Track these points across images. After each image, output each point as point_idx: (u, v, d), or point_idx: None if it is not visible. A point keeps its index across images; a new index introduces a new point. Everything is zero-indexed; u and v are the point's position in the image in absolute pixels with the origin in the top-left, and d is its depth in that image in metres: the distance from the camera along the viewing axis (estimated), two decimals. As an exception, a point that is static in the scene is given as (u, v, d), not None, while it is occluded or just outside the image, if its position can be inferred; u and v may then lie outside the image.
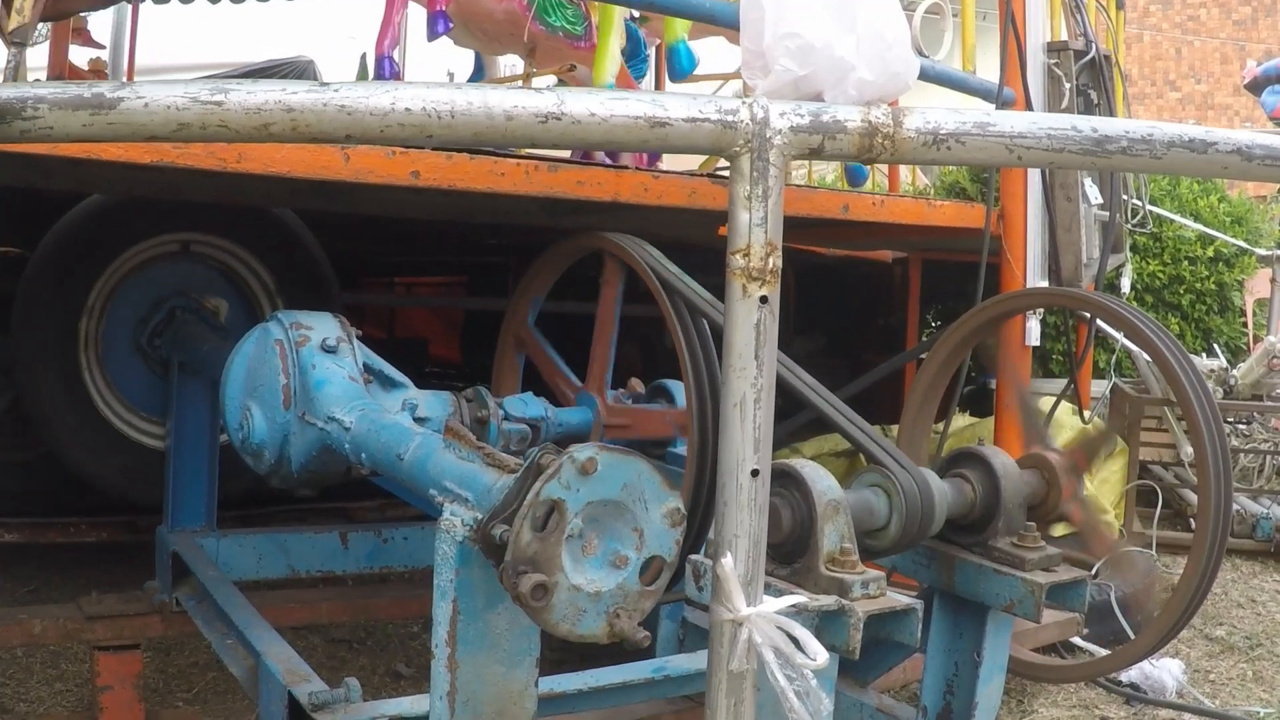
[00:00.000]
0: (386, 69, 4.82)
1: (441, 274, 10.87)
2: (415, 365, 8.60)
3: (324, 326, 3.61)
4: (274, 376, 3.51)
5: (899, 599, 2.86)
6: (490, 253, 8.58)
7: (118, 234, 5.34)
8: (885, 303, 9.01)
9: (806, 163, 10.51)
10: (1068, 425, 6.29)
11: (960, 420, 6.91)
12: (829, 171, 11.66)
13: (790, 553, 2.95)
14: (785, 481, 2.96)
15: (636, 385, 4.34)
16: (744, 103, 2.19)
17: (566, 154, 4.92)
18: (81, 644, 4.69)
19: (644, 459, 2.34)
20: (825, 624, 2.78)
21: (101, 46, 5.99)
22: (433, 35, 4.88)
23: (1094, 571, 5.65)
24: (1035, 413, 3.91)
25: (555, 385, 4.42)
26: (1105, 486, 6.89)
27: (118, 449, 5.45)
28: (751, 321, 2.19)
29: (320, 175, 3.68)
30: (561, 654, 4.67)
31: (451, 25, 4.98)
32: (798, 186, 5.54)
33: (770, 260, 2.18)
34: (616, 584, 2.33)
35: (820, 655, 2.26)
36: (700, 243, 5.21)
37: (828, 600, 2.76)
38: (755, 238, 2.17)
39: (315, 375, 3.45)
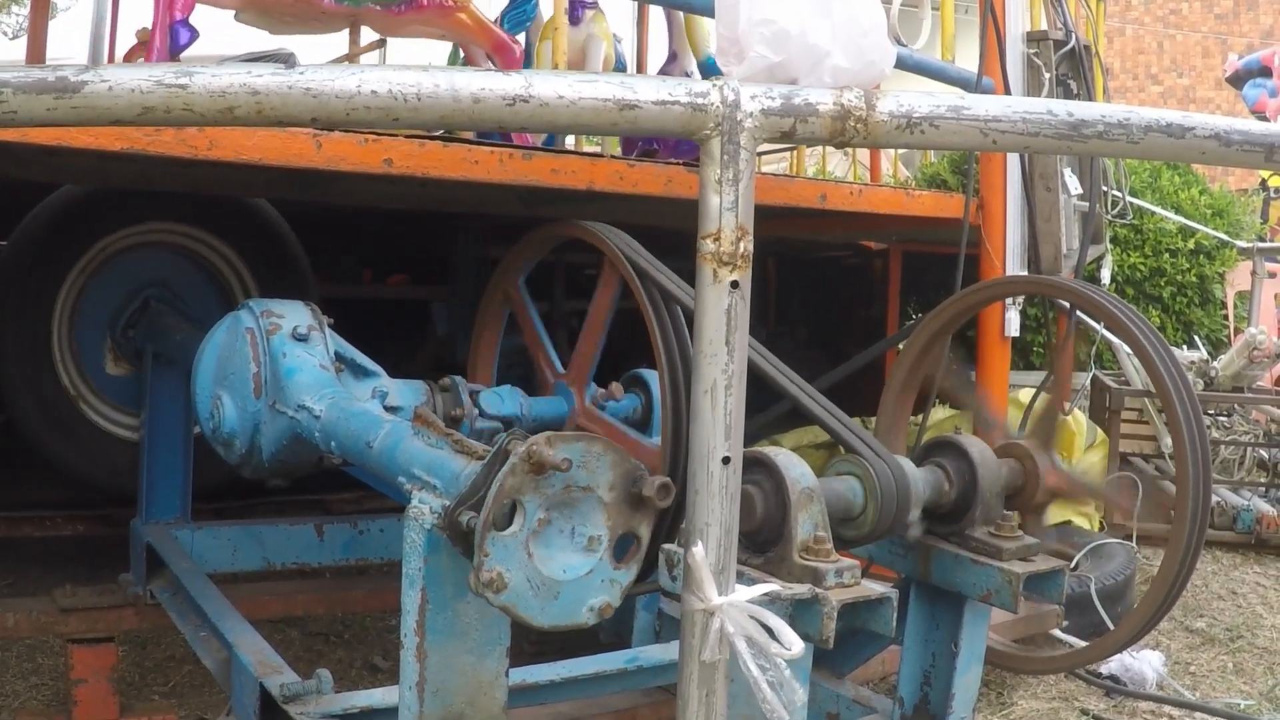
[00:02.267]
0: (183, 36, 4.67)
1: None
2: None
3: (295, 315, 3.59)
4: (244, 365, 3.48)
5: (874, 588, 2.84)
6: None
7: (91, 224, 5.31)
8: (866, 295, 9.00)
9: (788, 155, 10.51)
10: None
11: (940, 411, 6.90)
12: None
13: (764, 541, 2.93)
14: (759, 469, 2.94)
15: (616, 392, 4.30)
16: (714, 85, 2.17)
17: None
18: (56, 637, 4.65)
19: (597, 439, 2.31)
20: (799, 613, 2.76)
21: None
22: (176, 48, 4.72)
23: (1073, 563, 5.65)
24: (1051, 418, 3.90)
25: (535, 357, 4.40)
26: (1085, 478, 6.87)
27: (92, 441, 5.43)
28: (722, 307, 2.16)
29: (292, 163, 3.66)
30: (541, 645, 4.65)
31: (197, 34, 4.82)
32: (775, 175, 5.53)
33: (741, 245, 2.16)
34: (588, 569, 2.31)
35: (794, 644, 2.24)
36: (684, 229, 5.20)
37: (801, 589, 2.74)
38: (726, 222, 2.15)
39: (286, 363, 3.43)
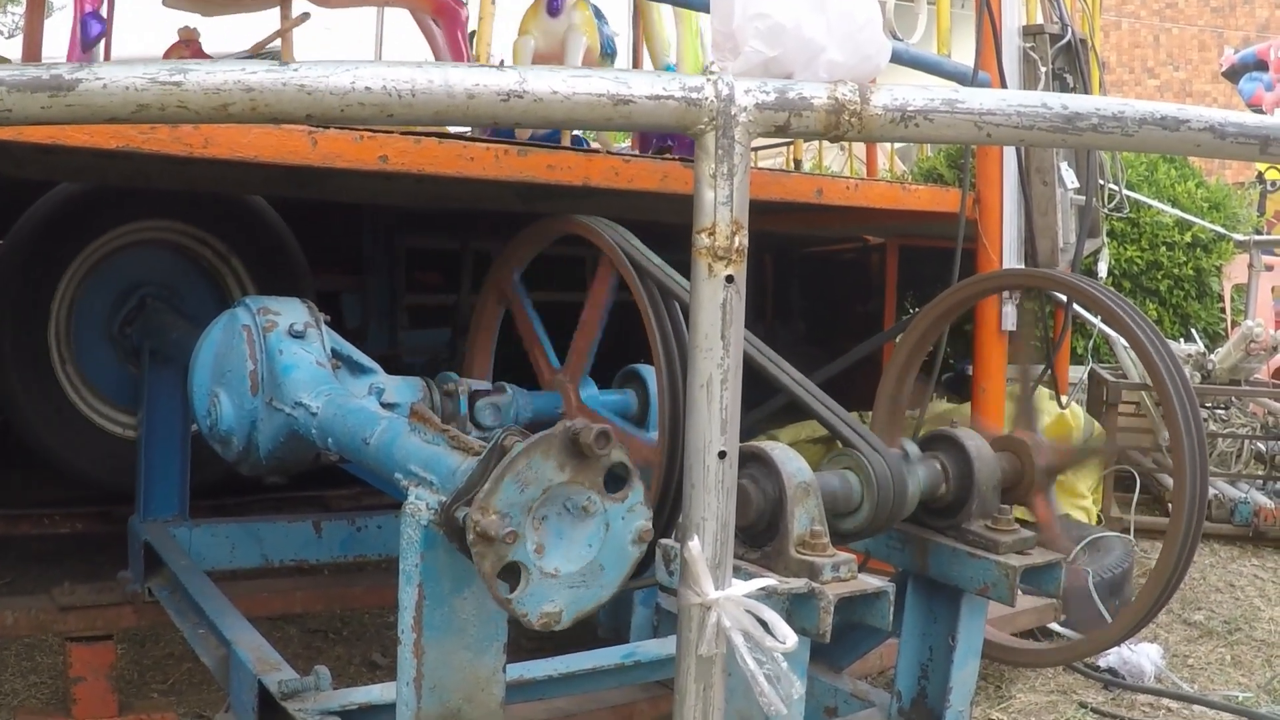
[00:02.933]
0: (94, 29, 4.65)
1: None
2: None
3: (291, 312, 3.59)
4: (241, 362, 3.49)
5: (870, 582, 2.85)
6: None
7: (87, 222, 5.32)
8: (863, 289, 9.00)
9: (785, 150, 10.51)
10: (1045, 410, 6.28)
11: (938, 405, 6.90)
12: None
13: (760, 536, 2.94)
14: (755, 464, 2.95)
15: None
16: (708, 79, 2.17)
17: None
18: (54, 635, 4.65)
19: (623, 450, 2.31)
20: (795, 607, 2.76)
21: (209, 58, 5.94)
22: (88, 41, 4.70)
23: (1071, 556, 5.65)
24: (1027, 399, 3.90)
25: (532, 354, 4.39)
26: (1083, 471, 6.87)
27: (90, 438, 5.43)
28: (717, 301, 2.17)
29: (288, 160, 3.66)
30: (539, 641, 4.65)
31: (104, 26, 4.78)
32: (771, 170, 5.52)
33: (736, 239, 2.16)
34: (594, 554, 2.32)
35: (789, 638, 2.25)
36: (680, 224, 5.19)
37: (798, 583, 2.75)
38: (721, 216, 2.15)
39: (282, 361, 3.43)
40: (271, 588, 4.87)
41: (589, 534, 2.29)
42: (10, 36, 25.63)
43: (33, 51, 6.59)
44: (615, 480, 2.30)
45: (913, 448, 3.43)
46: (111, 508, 5.66)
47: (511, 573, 2.21)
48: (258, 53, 5.77)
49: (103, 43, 6.82)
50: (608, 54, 5.86)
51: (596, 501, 2.28)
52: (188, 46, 5.82)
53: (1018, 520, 3.44)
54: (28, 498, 6.03)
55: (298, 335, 3.51)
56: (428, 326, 7.39)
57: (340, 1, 5.30)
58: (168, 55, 5.67)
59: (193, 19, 5.70)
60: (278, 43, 5.44)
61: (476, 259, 7.24)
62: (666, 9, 6.35)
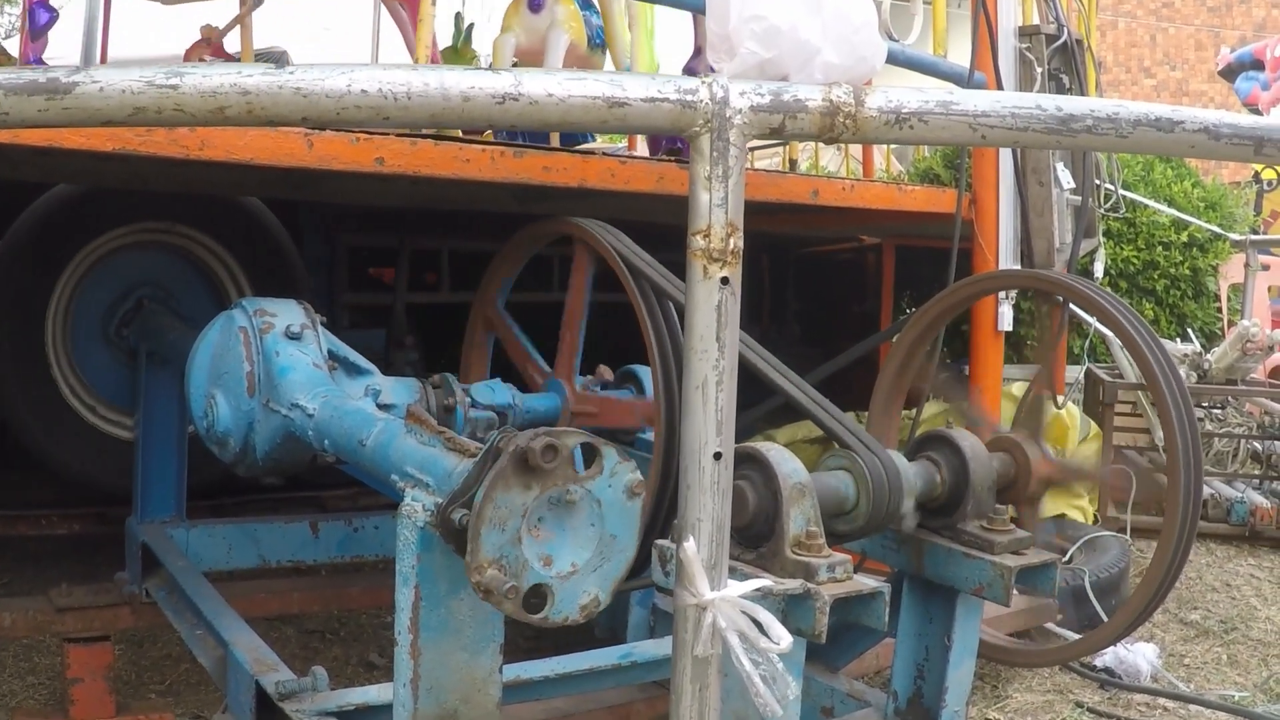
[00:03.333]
0: (41, 17, 4.63)
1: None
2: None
3: (288, 313, 3.60)
4: (238, 364, 3.49)
5: (866, 582, 2.85)
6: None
7: (83, 223, 5.32)
8: (859, 290, 9.00)
9: (781, 150, 10.50)
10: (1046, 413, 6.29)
11: (934, 406, 6.91)
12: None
13: (756, 536, 2.94)
14: (750, 465, 2.95)
15: (605, 372, 4.33)
16: (703, 82, 2.18)
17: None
18: (52, 636, 4.66)
19: (580, 432, 2.32)
20: (791, 608, 2.76)
21: (232, 58, 5.90)
22: (35, 28, 4.69)
23: (1068, 556, 5.66)
24: (1040, 410, 3.91)
25: (525, 370, 4.40)
26: (1077, 462, 6.88)
27: (86, 440, 5.44)
28: (713, 303, 2.17)
29: (284, 162, 3.66)
30: (536, 640, 4.66)
31: (56, 15, 4.77)
32: (766, 171, 5.53)
33: (731, 241, 2.17)
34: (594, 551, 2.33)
35: (784, 639, 2.25)
36: (676, 225, 5.19)
37: (793, 584, 2.75)
38: (716, 218, 2.16)
39: (279, 362, 3.44)
40: (268, 588, 4.87)
41: (585, 516, 2.31)
42: (8, 36, 25.61)
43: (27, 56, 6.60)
44: (586, 458, 2.32)
45: (902, 460, 3.43)
46: (108, 509, 5.66)
47: (536, 595, 2.23)
48: (210, 36, 5.76)
49: (99, 46, 6.84)
50: (596, 45, 5.80)
51: (575, 489, 2.29)
52: (208, 45, 5.83)
53: (1012, 521, 3.45)
54: (25, 499, 6.03)
55: (294, 337, 3.51)
56: (369, 327, 7.25)
57: None
58: (189, 54, 5.68)
59: (207, 16, 5.69)
60: (279, 47, 5.44)
61: (415, 256, 7.21)
62: (627, 9, 6.31)
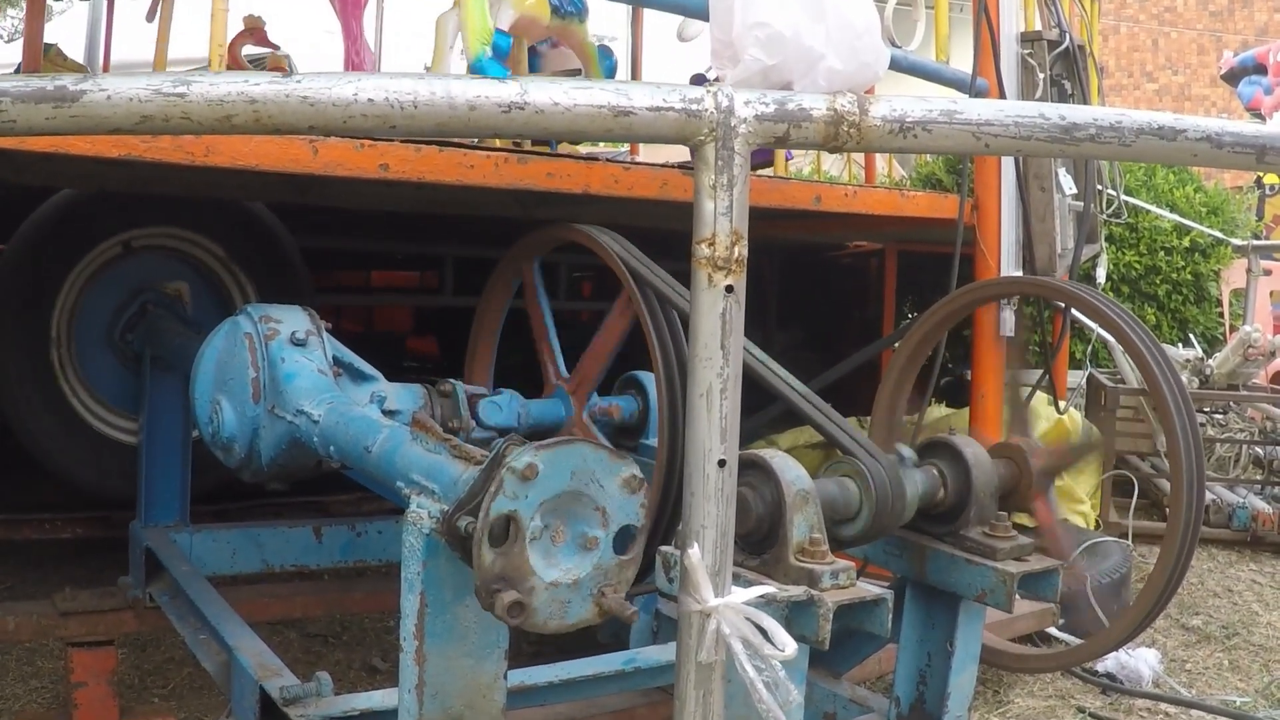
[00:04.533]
0: None
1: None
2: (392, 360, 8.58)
3: (293, 320, 3.60)
4: (243, 370, 3.50)
5: (869, 589, 2.86)
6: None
7: (89, 228, 5.32)
8: (862, 295, 9.01)
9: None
10: (1043, 416, 6.30)
11: (936, 411, 6.92)
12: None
13: (760, 543, 2.95)
14: (754, 472, 2.96)
15: (615, 411, 4.30)
16: (708, 91, 2.19)
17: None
18: (56, 640, 4.66)
19: (585, 441, 2.34)
20: (794, 615, 2.77)
21: (276, 47, 5.86)
22: None
23: (1069, 561, 5.67)
24: (1020, 405, 3.91)
25: (542, 355, 4.39)
26: (1081, 476, 6.89)
27: (91, 444, 5.44)
28: (717, 311, 2.18)
29: (289, 168, 3.67)
30: (539, 645, 4.67)
31: None
32: (769, 177, 5.53)
33: (736, 249, 2.18)
34: (593, 565, 2.34)
35: (788, 646, 2.26)
36: (681, 231, 5.19)
37: (797, 591, 2.76)
38: (720, 227, 2.17)
39: (284, 368, 3.44)
40: (272, 593, 4.88)
41: (568, 564, 2.35)
42: (10, 40, 25.63)
43: (33, 55, 6.61)
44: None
45: (908, 452, 3.45)
46: (112, 513, 5.67)
47: None
48: (253, 26, 5.74)
49: (102, 49, 6.87)
50: (568, 14, 5.47)
51: (604, 541, 2.36)
52: (252, 35, 5.82)
53: (1016, 526, 3.46)
54: (29, 503, 6.03)
55: (299, 343, 3.52)
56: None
57: None
58: (233, 45, 5.65)
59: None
60: (282, 51, 5.42)
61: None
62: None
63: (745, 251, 2.19)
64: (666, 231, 4.70)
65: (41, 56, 6.94)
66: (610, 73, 5.77)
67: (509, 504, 2.23)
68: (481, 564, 2.21)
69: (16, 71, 7.23)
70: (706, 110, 2.17)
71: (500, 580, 2.23)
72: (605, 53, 5.69)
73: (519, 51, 5.31)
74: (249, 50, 6.06)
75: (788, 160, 7.75)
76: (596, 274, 8.54)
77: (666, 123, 2.16)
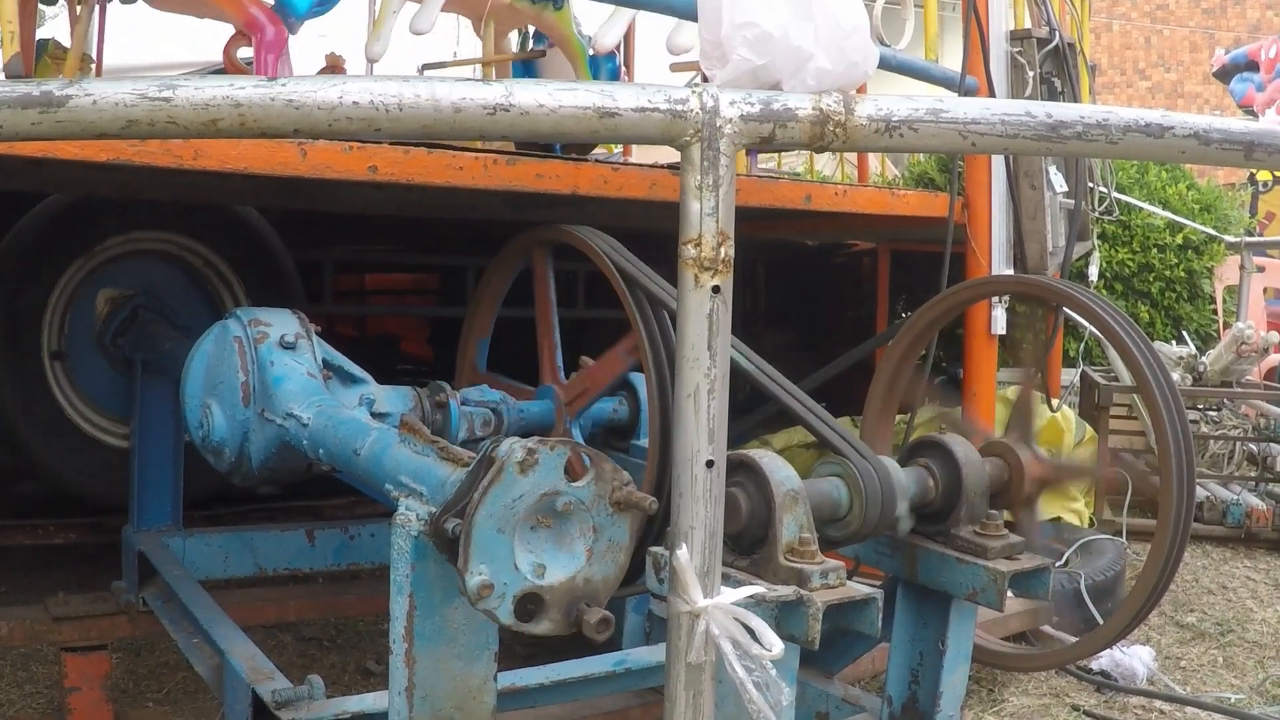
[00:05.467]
0: None
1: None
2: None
3: (282, 323, 3.61)
4: (233, 374, 3.50)
5: (858, 589, 2.86)
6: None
7: (79, 233, 5.32)
8: (854, 294, 9.01)
9: (776, 154, 10.51)
10: (1037, 414, 6.30)
11: (928, 411, 6.91)
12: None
13: (749, 543, 2.95)
14: (743, 472, 2.96)
15: (587, 363, 4.30)
16: (693, 92, 2.19)
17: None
18: (49, 645, 4.66)
19: (569, 440, 2.34)
20: (784, 615, 2.77)
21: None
22: None
23: (1063, 559, 5.67)
24: (1028, 410, 3.90)
25: (541, 349, 4.37)
26: (1070, 461, 6.89)
27: (82, 449, 5.44)
28: (704, 312, 2.18)
29: (278, 172, 3.67)
30: (532, 648, 4.66)
31: None
32: (759, 177, 5.53)
33: (722, 250, 2.18)
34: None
35: (776, 646, 2.26)
36: (671, 231, 5.18)
37: (786, 591, 2.76)
38: (707, 227, 2.17)
39: (274, 372, 3.44)
40: (265, 596, 4.88)
41: (577, 524, 2.36)
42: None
43: (26, 60, 6.60)
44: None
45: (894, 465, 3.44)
46: (105, 518, 5.67)
47: (529, 603, 2.29)
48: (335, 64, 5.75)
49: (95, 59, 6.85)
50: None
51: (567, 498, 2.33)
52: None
53: (1008, 525, 3.46)
54: (22, 508, 6.03)
55: (289, 346, 3.52)
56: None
57: (166, 5, 5.00)
58: (227, 47, 5.64)
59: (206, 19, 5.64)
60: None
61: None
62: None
63: (732, 252, 2.19)
64: (659, 233, 4.71)
65: (35, 60, 6.94)
66: (613, 76, 5.78)
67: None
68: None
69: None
70: (692, 111, 2.17)
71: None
72: (608, 55, 5.69)
73: (489, 42, 5.31)
74: (244, 53, 6.07)
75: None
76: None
77: (652, 124, 2.16)
